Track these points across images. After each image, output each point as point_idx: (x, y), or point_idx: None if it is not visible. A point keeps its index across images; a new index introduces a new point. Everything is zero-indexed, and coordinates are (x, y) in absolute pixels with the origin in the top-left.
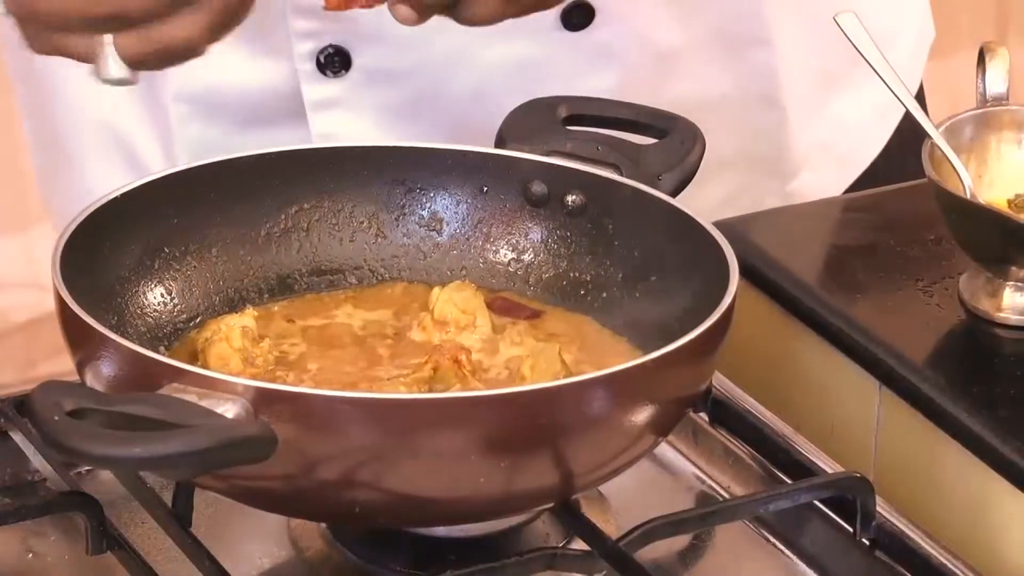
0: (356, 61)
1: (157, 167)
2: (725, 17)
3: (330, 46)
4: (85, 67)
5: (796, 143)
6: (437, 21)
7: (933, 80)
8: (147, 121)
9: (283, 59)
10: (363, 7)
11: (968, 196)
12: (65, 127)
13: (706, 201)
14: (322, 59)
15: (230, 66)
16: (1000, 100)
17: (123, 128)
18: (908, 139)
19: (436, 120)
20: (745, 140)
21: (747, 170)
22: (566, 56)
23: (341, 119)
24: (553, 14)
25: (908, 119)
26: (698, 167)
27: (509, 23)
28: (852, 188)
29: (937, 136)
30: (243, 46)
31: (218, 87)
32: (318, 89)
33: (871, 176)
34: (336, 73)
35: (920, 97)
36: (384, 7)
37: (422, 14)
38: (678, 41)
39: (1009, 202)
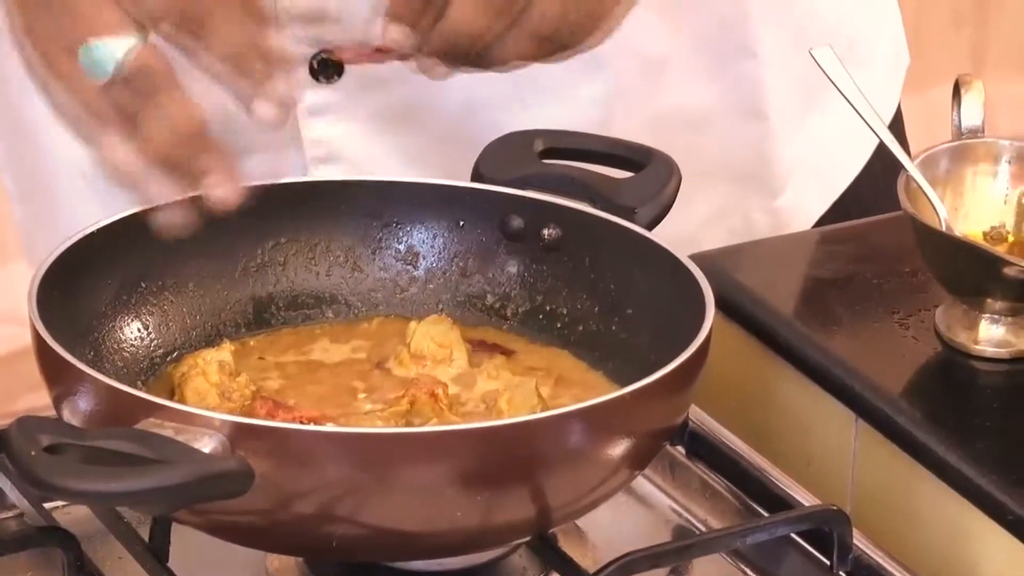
0: (349, 67)
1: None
2: (712, 27)
3: (323, 52)
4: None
5: (781, 157)
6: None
7: (910, 112)
8: None
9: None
10: (374, 62)
11: (944, 228)
12: (49, 175)
13: (694, 216)
14: (315, 65)
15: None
16: (975, 133)
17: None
18: (888, 162)
19: (427, 128)
20: (732, 153)
21: (734, 184)
22: (556, 65)
23: (333, 125)
24: None
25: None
26: (674, 200)
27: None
28: (834, 208)
29: (913, 169)
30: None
31: (208, 106)
32: (311, 95)
33: (853, 196)
34: (329, 79)
35: (899, 123)
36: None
37: (451, 66)
38: (666, 51)
39: (985, 234)
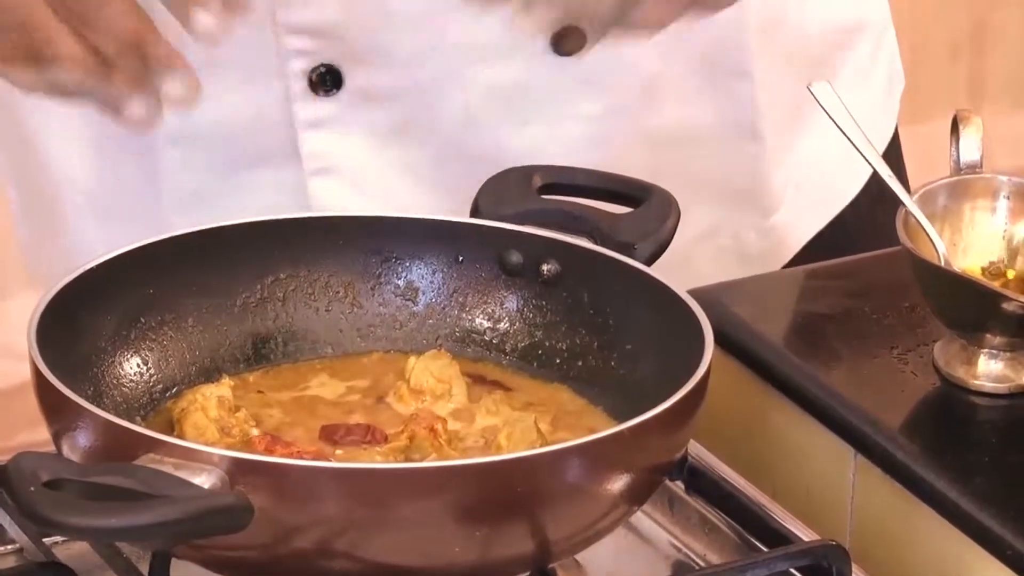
0: (348, 81)
1: (149, 225)
2: (707, 47)
3: (322, 65)
4: (72, 129)
5: (774, 178)
6: (427, 41)
7: (907, 146)
8: (137, 176)
9: (273, 82)
10: None
11: (942, 264)
12: (53, 192)
13: (686, 233)
14: (314, 78)
15: (219, 95)
16: (974, 168)
17: (113, 188)
18: (886, 186)
19: (425, 142)
20: (724, 172)
21: (726, 203)
22: (554, 81)
23: (331, 139)
24: (544, 39)
25: (889, 148)
26: (673, 236)
27: (501, 47)
28: (831, 228)
29: (911, 204)
30: (232, 72)
31: (208, 120)
32: (309, 108)
33: (851, 217)
34: (328, 92)
35: (896, 148)
36: None
37: (592, 36)
38: (663, 69)
39: (983, 270)
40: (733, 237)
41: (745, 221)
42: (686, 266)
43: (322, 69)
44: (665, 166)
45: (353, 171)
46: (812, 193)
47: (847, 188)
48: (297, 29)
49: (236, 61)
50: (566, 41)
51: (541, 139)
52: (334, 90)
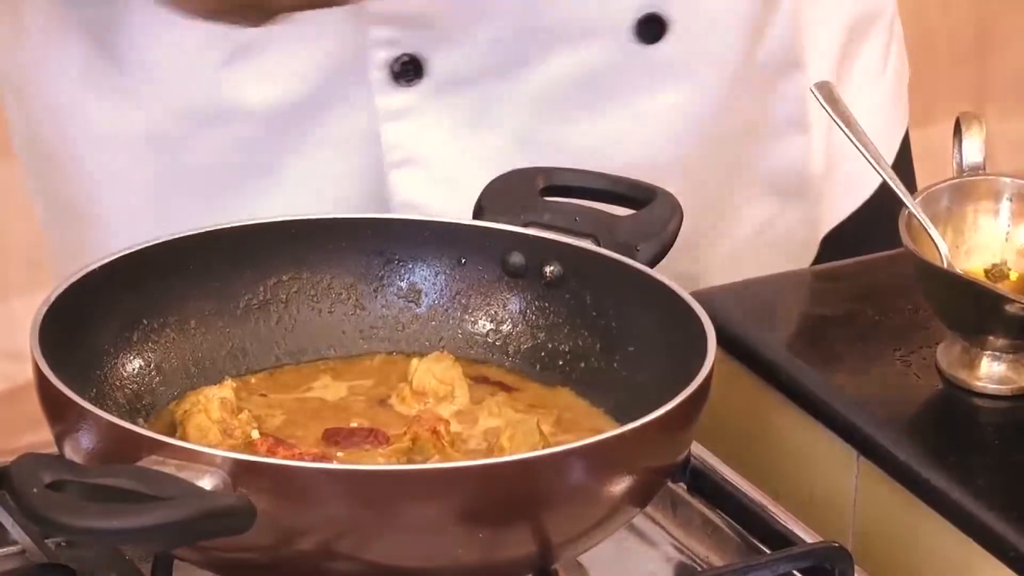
0: (429, 70)
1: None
2: (773, 41)
3: (405, 55)
4: (105, 125)
5: (817, 169)
6: (511, 24)
7: (914, 149)
8: (180, 172)
9: (356, 73)
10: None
11: (945, 266)
12: (79, 202)
13: (742, 229)
14: (396, 68)
15: (302, 85)
16: (977, 170)
17: (150, 184)
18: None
19: (504, 130)
20: (778, 165)
21: (777, 197)
22: (634, 69)
23: (412, 129)
24: (628, 24)
25: (900, 152)
26: (675, 238)
27: (585, 30)
28: (852, 221)
29: (914, 206)
30: (316, 61)
31: (289, 107)
32: (391, 99)
33: (875, 207)
34: (409, 82)
35: (906, 148)
36: None
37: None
38: (740, 62)
39: (986, 272)
40: (786, 232)
41: (793, 214)
42: (739, 264)
43: (405, 59)
44: (726, 161)
45: (432, 160)
46: (843, 181)
47: (871, 179)
48: (385, 19)
49: (320, 50)
50: (650, 27)
51: (615, 129)
52: (416, 80)
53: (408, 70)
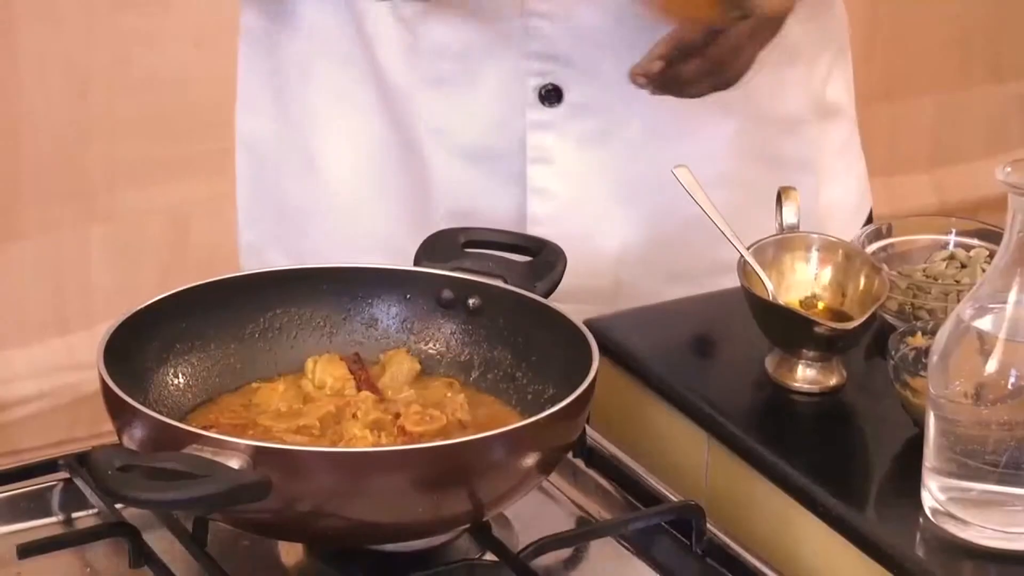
0: (567, 96)
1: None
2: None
3: (550, 83)
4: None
5: (819, 206)
6: (627, 65)
7: (881, 194)
8: (407, 162)
9: (513, 94)
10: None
11: (771, 299)
12: (279, 207)
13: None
14: (542, 93)
15: (473, 103)
16: (793, 229)
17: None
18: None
19: (616, 148)
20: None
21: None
22: (698, 107)
23: (549, 138)
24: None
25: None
26: (561, 277)
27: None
28: None
29: (747, 255)
30: (486, 84)
31: (457, 119)
32: (537, 114)
33: None
34: (551, 104)
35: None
36: None
37: (727, 21)
38: (794, 106)
39: (801, 302)
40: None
41: None
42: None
43: (549, 87)
44: (758, 186)
45: (562, 163)
46: (835, 225)
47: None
48: (537, 56)
49: (491, 76)
50: None
51: (692, 152)
52: (557, 103)
53: (551, 95)
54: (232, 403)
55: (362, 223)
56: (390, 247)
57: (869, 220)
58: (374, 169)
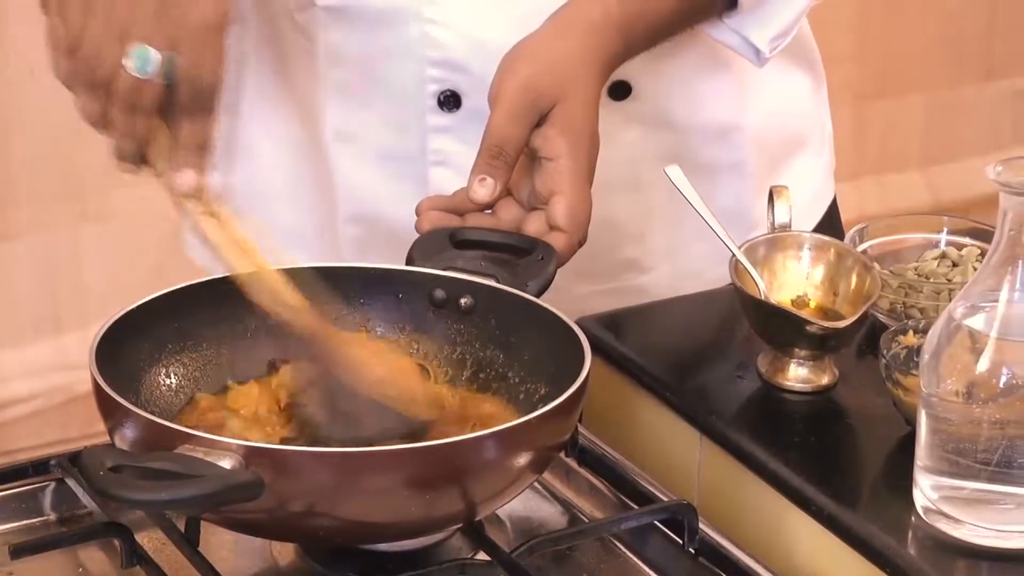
0: (464, 102)
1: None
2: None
3: (448, 90)
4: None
5: (754, 207)
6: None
7: (873, 195)
8: (315, 162)
9: (413, 99)
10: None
11: (763, 297)
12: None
13: (701, 260)
14: (441, 98)
15: (376, 106)
16: (785, 228)
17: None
18: (835, 220)
19: None
20: (729, 204)
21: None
22: (610, 120)
23: (449, 141)
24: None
25: (828, 216)
26: (554, 276)
27: None
28: None
29: (739, 254)
30: (387, 90)
31: (359, 123)
32: (437, 119)
33: None
34: (450, 110)
35: (835, 209)
36: None
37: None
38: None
39: (792, 301)
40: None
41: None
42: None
43: (448, 92)
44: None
45: (462, 166)
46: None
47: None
48: (436, 63)
49: (391, 82)
50: (616, 89)
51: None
52: (455, 108)
53: (450, 101)
54: (213, 403)
55: (276, 217)
56: (298, 244)
57: (831, 212)
58: (289, 166)
